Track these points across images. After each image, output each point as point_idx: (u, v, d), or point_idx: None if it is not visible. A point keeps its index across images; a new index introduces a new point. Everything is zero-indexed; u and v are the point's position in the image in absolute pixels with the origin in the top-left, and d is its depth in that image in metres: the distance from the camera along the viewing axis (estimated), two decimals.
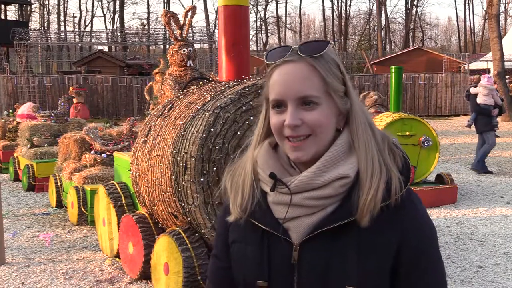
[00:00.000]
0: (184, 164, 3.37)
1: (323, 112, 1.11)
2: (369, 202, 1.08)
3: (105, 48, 45.02)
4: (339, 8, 59.11)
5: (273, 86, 1.14)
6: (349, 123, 1.16)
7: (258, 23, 59.49)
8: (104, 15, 69.09)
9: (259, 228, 1.17)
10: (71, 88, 20.57)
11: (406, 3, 55.81)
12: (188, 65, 5.68)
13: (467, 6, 66.13)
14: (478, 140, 9.91)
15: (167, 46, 31.64)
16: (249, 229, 1.19)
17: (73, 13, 77.55)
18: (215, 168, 3.36)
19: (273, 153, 1.19)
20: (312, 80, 1.11)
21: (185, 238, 3.55)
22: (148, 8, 59.05)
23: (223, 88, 3.76)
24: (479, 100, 9.60)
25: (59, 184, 7.08)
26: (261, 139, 1.22)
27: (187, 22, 5.78)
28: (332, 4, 62.86)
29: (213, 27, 46.15)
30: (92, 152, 6.85)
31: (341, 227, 1.10)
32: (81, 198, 6.06)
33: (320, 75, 1.11)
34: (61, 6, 56.64)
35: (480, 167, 9.47)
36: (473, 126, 10.14)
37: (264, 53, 1.24)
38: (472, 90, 9.86)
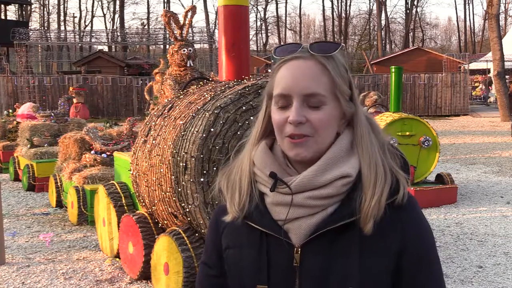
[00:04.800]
0: (184, 164, 3.37)
1: (328, 113, 1.08)
2: (373, 207, 1.05)
3: (105, 48, 45.08)
4: (339, 8, 59.21)
5: (279, 81, 1.10)
6: (352, 127, 1.13)
7: (258, 23, 59.64)
8: (104, 15, 69.21)
9: (256, 231, 1.13)
10: (71, 88, 20.54)
11: (406, 3, 55.86)
12: (188, 65, 5.68)
13: (467, 6, 66.23)
14: None
15: (167, 46, 31.61)
16: (245, 232, 1.15)
17: (73, 13, 77.71)
18: (215, 168, 3.36)
19: (270, 153, 1.16)
20: (321, 79, 1.08)
21: (185, 238, 3.55)
22: (148, 8, 59.29)
23: (223, 88, 3.76)
24: None
25: (59, 184, 7.08)
26: (259, 138, 1.18)
27: (187, 22, 5.78)
28: (332, 4, 62.99)
29: (213, 27, 46.17)
30: (92, 152, 6.85)
31: (342, 228, 1.07)
32: (81, 198, 6.05)
33: (330, 74, 1.08)
34: (61, 6, 56.78)
35: None
36: None
37: (272, 48, 1.21)
38: None
